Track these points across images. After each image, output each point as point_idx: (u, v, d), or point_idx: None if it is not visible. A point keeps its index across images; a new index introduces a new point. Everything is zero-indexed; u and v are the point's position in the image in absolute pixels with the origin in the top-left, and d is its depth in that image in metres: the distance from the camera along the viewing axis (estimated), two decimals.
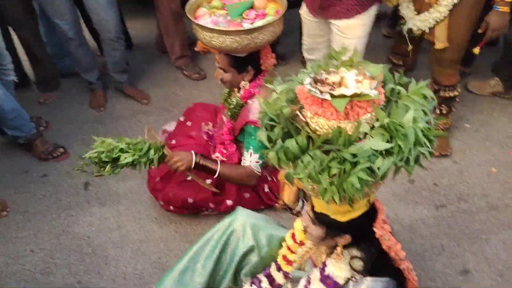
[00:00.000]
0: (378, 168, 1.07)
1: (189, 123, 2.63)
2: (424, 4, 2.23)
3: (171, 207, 2.30)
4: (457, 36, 2.23)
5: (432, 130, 1.13)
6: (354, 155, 1.08)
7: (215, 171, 2.09)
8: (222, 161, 2.19)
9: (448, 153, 2.63)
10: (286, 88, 1.24)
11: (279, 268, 1.64)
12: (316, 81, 1.13)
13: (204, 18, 2.07)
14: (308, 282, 1.43)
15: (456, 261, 2.11)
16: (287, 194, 1.68)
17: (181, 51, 3.35)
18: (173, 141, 2.51)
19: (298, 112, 1.20)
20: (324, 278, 1.38)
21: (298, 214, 1.70)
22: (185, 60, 3.40)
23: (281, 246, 1.71)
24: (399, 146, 1.08)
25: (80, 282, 2.10)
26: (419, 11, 2.27)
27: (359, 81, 1.13)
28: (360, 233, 1.32)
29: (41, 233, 2.34)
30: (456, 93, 2.49)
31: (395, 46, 2.98)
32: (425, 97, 1.19)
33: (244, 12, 2.06)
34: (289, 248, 1.61)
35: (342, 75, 1.14)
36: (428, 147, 1.11)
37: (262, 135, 1.21)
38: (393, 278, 1.36)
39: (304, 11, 2.41)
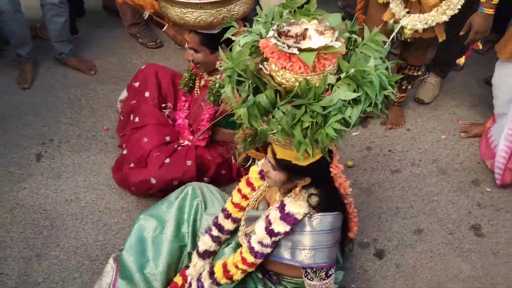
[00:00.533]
0: (350, 117, 1.13)
1: (137, 84, 2.46)
2: (415, 6, 2.19)
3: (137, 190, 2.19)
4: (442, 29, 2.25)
5: (392, 76, 1.20)
6: (325, 108, 1.13)
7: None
8: None
9: (402, 125, 2.74)
10: (251, 41, 1.24)
11: (228, 216, 1.73)
12: (279, 33, 1.14)
13: None
14: (269, 222, 1.51)
15: (411, 222, 2.23)
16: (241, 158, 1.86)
17: (134, 17, 3.20)
18: (136, 119, 2.34)
19: (261, 66, 1.21)
20: (285, 216, 1.48)
21: (247, 169, 1.85)
22: (139, 27, 3.26)
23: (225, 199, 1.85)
24: (366, 94, 1.14)
25: (39, 255, 2.03)
26: (409, 11, 2.21)
27: (322, 33, 1.15)
28: (318, 174, 1.45)
29: None
30: (419, 72, 2.58)
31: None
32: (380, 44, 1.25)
33: None
34: (243, 196, 1.71)
35: (304, 27, 1.16)
36: (392, 90, 1.18)
37: (228, 90, 1.22)
38: (341, 211, 1.53)
39: None
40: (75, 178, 2.37)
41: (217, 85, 2.06)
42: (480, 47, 2.23)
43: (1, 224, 2.15)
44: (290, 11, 1.31)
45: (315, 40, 1.16)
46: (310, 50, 1.11)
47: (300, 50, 1.10)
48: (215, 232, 1.74)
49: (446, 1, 2.11)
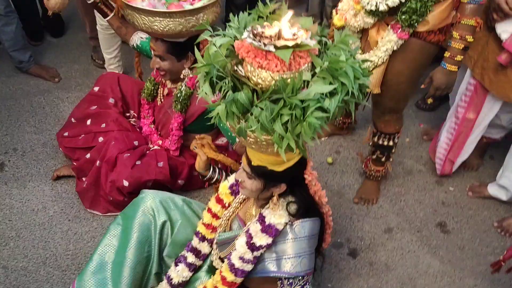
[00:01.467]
0: (328, 107, 1.15)
1: (96, 89, 2.38)
2: (367, 45, 1.96)
3: (112, 196, 2.09)
4: (395, 84, 1.95)
5: (365, 68, 1.24)
6: (303, 101, 1.14)
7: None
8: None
9: (374, 203, 2.41)
10: (228, 42, 1.25)
11: (203, 239, 1.68)
12: (254, 35, 1.15)
13: (136, 2, 1.88)
14: (250, 236, 1.49)
15: (381, 221, 2.30)
16: (198, 162, 1.81)
17: (92, 32, 3.05)
18: (103, 125, 2.25)
19: (236, 68, 1.23)
20: (266, 228, 1.47)
21: (209, 180, 1.84)
22: (96, 41, 3.15)
23: (196, 214, 1.79)
24: (342, 84, 1.17)
25: (6, 267, 1.94)
26: (363, 51, 1.99)
27: (295, 33, 1.18)
28: (293, 181, 1.45)
29: None
30: (391, 143, 2.20)
31: None
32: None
33: None
34: (214, 215, 1.66)
35: (279, 28, 1.18)
36: (366, 78, 1.22)
37: (206, 87, 1.21)
38: (319, 217, 1.54)
39: None
40: (41, 188, 2.29)
41: (183, 92, 2.05)
42: (430, 101, 2.11)
43: None
44: (262, 17, 1.33)
45: (288, 36, 1.18)
46: (286, 47, 1.13)
47: (276, 47, 1.12)
48: (190, 258, 1.69)
49: (384, 38, 1.85)
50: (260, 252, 1.48)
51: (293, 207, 1.46)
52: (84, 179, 2.19)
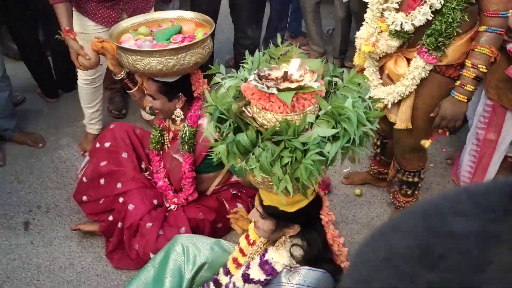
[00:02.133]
0: (328, 152, 1.14)
1: (107, 144, 2.30)
2: (389, 77, 1.90)
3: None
4: (419, 120, 1.87)
5: (371, 112, 1.22)
6: (304, 144, 1.14)
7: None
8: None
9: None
10: (236, 84, 1.27)
11: (227, 272, 1.65)
12: (260, 77, 1.17)
13: (129, 42, 1.94)
14: (247, 267, 1.47)
15: None
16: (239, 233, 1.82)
17: (109, 81, 3.04)
18: (119, 185, 2.19)
19: (244, 108, 1.25)
20: (263, 264, 1.43)
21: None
22: (113, 92, 3.17)
23: (227, 253, 1.76)
24: (344, 129, 1.15)
25: None
26: (384, 83, 1.92)
27: (302, 75, 1.19)
28: (308, 222, 1.39)
29: None
30: (416, 179, 2.13)
31: None
32: (360, 84, 1.29)
33: (172, 36, 1.96)
34: (241, 251, 1.64)
35: (284, 70, 1.20)
36: (370, 126, 1.20)
37: (210, 127, 1.23)
38: (331, 273, 1.40)
39: None
40: (67, 244, 2.27)
41: (187, 132, 2.03)
42: (447, 134, 1.86)
43: None
44: (273, 58, 1.35)
45: (295, 76, 1.19)
46: (288, 89, 1.14)
47: (278, 90, 1.14)
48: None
49: (410, 72, 1.79)
50: (251, 286, 1.43)
51: (297, 251, 1.38)
52: (110, 239, 2.17)
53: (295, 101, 1.16)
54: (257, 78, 1.16)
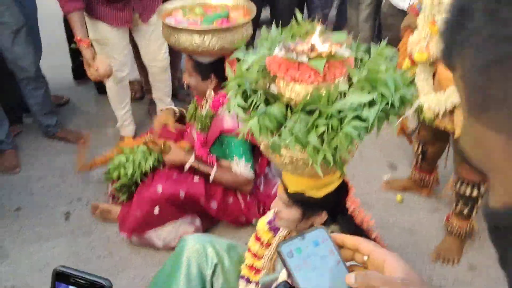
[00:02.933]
0: (367, 117, 1.05)
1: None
2: (442, 84, 1.83)
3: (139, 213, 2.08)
4: None
5: (407, 77, 1.15)
6: (339, 112, 1.06)
7: (209, 175, 2.06)
8: (218, 165, 2.11)
9: (456, 262, 2.13)
10: (260, 58, 1.19)
11: (248, 281, 1.55)
12: (286, 49, 1.10)
13: (177, 17, 2.04)
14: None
15: (462, 258, 2.13)
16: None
17: (147, 84, 3.13)
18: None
19: (269, 86, 1.17)
20: None
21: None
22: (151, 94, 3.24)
23: (240, 256, 1.64)
24: (382, 95, 1.08)
25: None
26: (435, 89, 1.86)
27: (329, 46, 1.12)
28: (335, 209, 1.31)
29: (21, 268, 2.11)
30: (475, 193, 1.98)
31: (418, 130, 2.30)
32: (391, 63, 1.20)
33: (216, 20, 2.01)
34: (255, 255, 1.53)
35: (311, 42, 1.13)
36: (408, 90, 1.12)
37: (238, 99, 1.14)
38: None
39: None
40: (106, 235, 2.28)
41: (205, 113, 2.08)
42: None
43: (30, 286, 2.02)
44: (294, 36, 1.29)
45: (322, 47, 1.12)
46: (319, 57, 1.07)
47: (309, 58, 1.08)
48: None
49: None
50: None
51: None
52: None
53: (326, 69, 1.09)
54: (283, 50, 1.10)
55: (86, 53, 2.20)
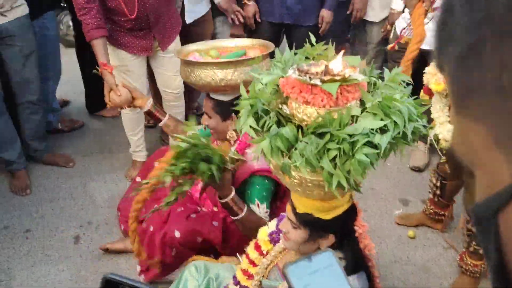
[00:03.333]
0: (379, 144, 1.05)
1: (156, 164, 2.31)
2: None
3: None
4: None
5: (420, 107, 1.15)
6: (351, 136, 1.05)
7: (238, 214, 1.82)
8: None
9: None
10: (274, 79, 1.19)
11: (237, 283, 1.56)
12: (300, 71, 1.10)
13: (192, 57, 2.01)
14: None
15: None
16: None
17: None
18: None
19: (281, 107, 1.18)
20: None
21: None
22: None
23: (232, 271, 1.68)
24: (395, 122, 1.07)
25: None
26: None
27: (343, 70, 1.13)
28: (342, 232, 1.30)
29: None
30: None
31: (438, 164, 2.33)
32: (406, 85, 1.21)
33: (235, 57, 1.99)
34: (251, 262, 1.54)
35: (325, 64, 1.13)
36: (422, 122, 1.12)
37: (250, 121, 1.15)
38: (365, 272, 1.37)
39: None
40: (115, 260, 2.26)
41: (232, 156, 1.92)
42: None
43: None
44: (308, 58, 1.30)
45: (336, 70, 1.13)
46: (333, 80, 1.07)
47: (322, 81, 1.07)
48: None
49: None
50: None
51: (342, 264, 1.31)
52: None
53: (339, 93, 1.08)
54: (297, 72, 1.10)
55: (110, 79, 2.20)
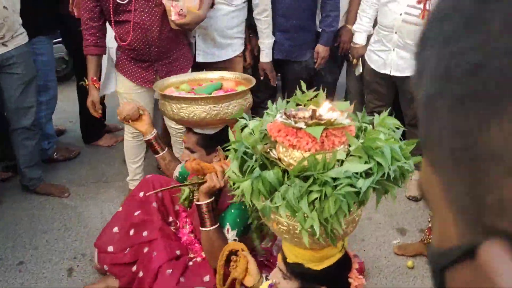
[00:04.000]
0: (360, 187, 1.04)
1: (141, 194, 2.25)
2: None
3: None
4: None
5: (406, 148, 1.14)
6: (334, 179, 1.05)
7: (207, 226, 1.83)
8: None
9: None
10: (260, 123, 1.22)
11: None
12: (287, 115, 1.11)
13: (170, 93, 2.01)
14: None
15: None
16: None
17: (165, 132, 3.13)
18: (145, 233, 2.14)
19: (269, 151, 1.18)
20: None
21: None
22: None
23: None
24: (378, 164, 1.07)
25: None
26: None
27: (330, 114, 1.14)
28: (336, 285, 1.26)
29: None
30: None
31: None
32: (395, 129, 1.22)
33: (213, 92, 2.00)
34: None
35: (313, 109, 1.15)
36: (405, 161, 1.11)
37: (233, 165, 1.16)
38: None
39: None
40: None
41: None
42: None
43: None
44: (300, 105, 1.31)
45: (324, 115, 1.13)
46: (317, 124, 1.08)
47: (307, 124, 1.08)
48: None
49: None
50: None
51: None
52: None
53: (325, 137, 1.08)
54: (284, 116, 1.11)
55: (94, 93, 2.33)
